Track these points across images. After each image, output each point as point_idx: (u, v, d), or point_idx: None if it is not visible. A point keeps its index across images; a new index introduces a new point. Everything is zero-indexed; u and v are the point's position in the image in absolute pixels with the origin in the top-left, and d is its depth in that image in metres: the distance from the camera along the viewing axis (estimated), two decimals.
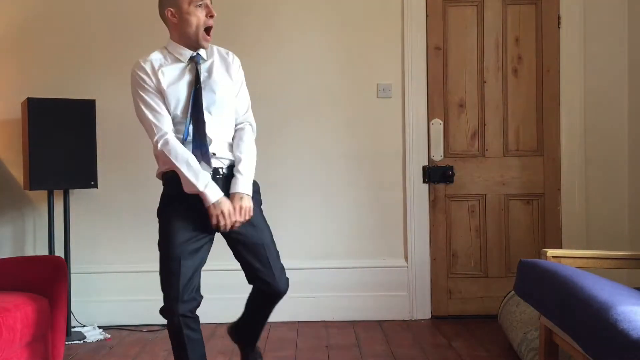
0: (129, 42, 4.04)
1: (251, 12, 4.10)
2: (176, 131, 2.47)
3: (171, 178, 2.44)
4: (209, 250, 2.50)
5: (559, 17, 4.13)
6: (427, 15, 4.13)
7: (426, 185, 4.14)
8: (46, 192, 3.81)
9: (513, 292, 3.44)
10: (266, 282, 2.53)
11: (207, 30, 2.50)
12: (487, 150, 4.17)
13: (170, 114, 2.46)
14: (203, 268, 2.47)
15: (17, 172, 4.02)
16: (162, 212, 2.49)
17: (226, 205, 2.38)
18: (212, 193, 2.38)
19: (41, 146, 3.61)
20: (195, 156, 2.43)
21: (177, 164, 2.39)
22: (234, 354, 3.28)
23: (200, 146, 2.45)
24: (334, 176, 4.14)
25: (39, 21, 4.09)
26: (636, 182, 4.03)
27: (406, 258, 4.14)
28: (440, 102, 4.16)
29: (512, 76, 4.16)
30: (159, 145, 2.42)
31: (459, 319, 4.08)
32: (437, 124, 4.15)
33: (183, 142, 2.44)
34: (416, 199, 4.13)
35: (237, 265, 2.58)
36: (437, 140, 4.15)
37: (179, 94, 2.46)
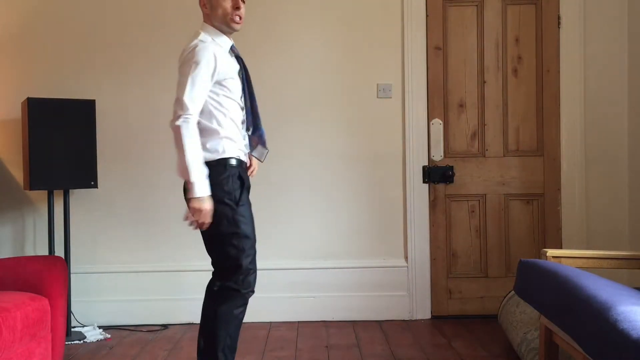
0: (128, 43, 4.03)
1: (252, 12, 4.09)
2: (239, 120, 2.58)
3: (240, 166, 2.57)
4: None
5: (559, 17, 4.13)
6: (427, 15, 4.13)
7: (426, 185, 4.14)
8: (46, 192, 3.81)
9: (513, 292, 3.44)
10: None
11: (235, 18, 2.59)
12: (487, 150, 4.17)
13: (233, 100, 2.56)
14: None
15: (17, 172, 4.02)
16: (241, 196, 2.55)
17: (207, 204, 2.44)
18: (202, 187, 2.43)
19: (41, 146, 3.61)
20: (255, 142, 2.64)
21: (186, 147, 2.41)
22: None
23: (259, 129, 2.66)
24: (333, 176, 4.14)
25: (38, 21, 4.09)
26: (636, 182, 4.03)
27: (406, 258, 4.14)
28: (440, 102, 4.16)
29: (512, 76, 4.16)
30: (180, 120, 2.43)
31: (459, 319, 4.08)
32: (437, 124, 4.15)
33: (248, 129, 2.61)
34: (416, 199, 4.13)
35: None
36: (437, 140, 4.15)
37: (237, 82, 2.59)
